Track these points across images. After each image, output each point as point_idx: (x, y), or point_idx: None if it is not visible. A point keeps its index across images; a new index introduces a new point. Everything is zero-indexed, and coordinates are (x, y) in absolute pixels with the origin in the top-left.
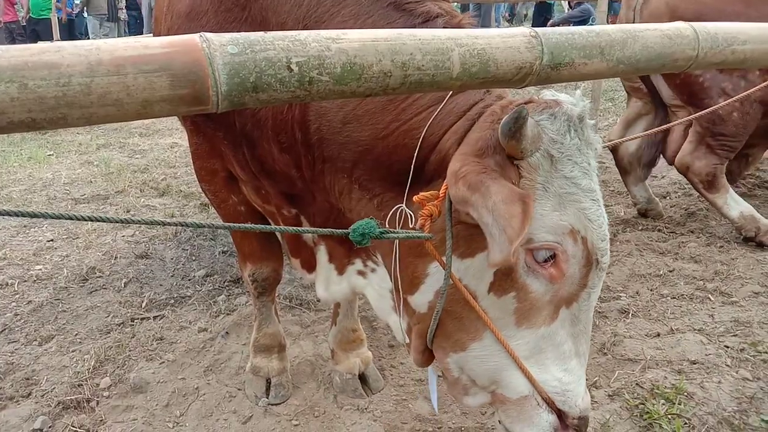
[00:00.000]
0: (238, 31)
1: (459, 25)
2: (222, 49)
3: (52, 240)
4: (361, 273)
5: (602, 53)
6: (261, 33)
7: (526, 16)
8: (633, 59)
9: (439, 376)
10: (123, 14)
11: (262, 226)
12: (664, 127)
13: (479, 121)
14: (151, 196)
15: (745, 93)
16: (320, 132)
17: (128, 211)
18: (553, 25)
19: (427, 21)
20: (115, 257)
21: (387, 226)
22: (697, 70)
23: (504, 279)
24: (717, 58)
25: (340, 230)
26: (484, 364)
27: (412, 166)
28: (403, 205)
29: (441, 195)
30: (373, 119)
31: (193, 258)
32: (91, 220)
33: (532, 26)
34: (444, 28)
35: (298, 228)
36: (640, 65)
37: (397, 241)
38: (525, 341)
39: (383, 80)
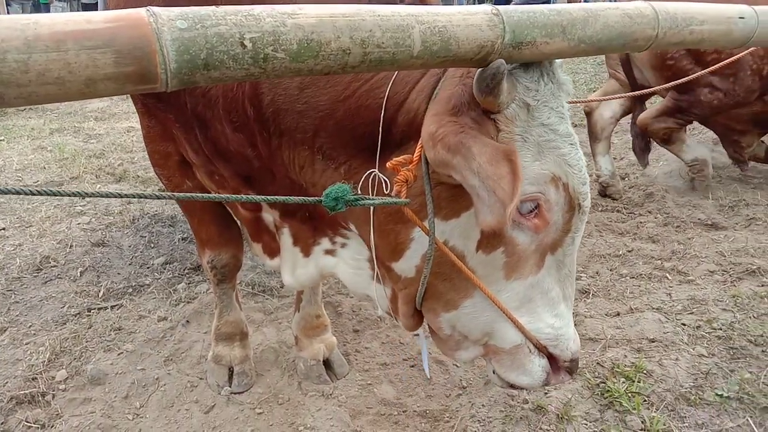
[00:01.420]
0: (187, 5)
1: None
2: (170, 23)
3: (3, 228)
4: (329, 252)
5: (564, 32)
6: (212, 7)
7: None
8: (594, 38)
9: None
10: None
11: (228, 196)
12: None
13: (447, 77)
14: (107, 182)
15: (701, 72)
16: (275, 104)
17: (84, 198)
18: (516, 5)
19: None
20: (71, 245)
21: (360, 193)
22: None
23: (491, 236)
24: (676, 38)
25: (312, 198)
26: (477, 319)
27: (380, 129)
28: (376, 170)
29: (415, 159)
30: (332, 81)
31: (152, 245)
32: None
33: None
34: None
35: (267, 197)
36: (601, 44)
37: (372, 209)
38: (515, 292)
39: (342, 58)
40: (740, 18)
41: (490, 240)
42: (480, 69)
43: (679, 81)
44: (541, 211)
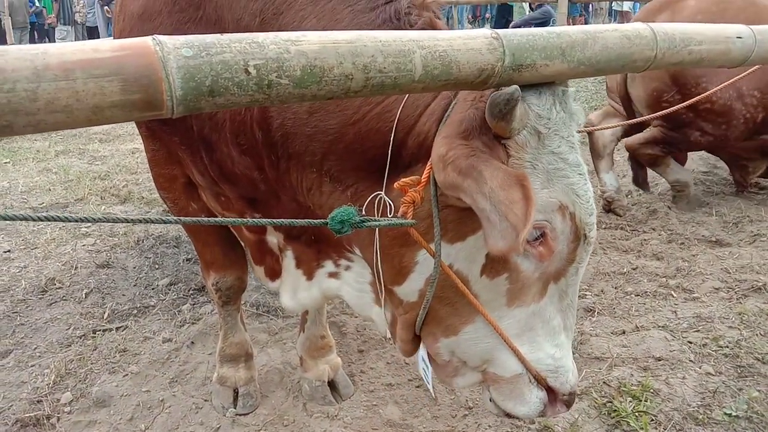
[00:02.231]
0: (193, 32)
1: (423, 5)
2: (176, 52)
3: (9, 251)
4: (333, 275)
5: (563, 54)
6: (217, 35)
7: (488, 18)
8: (594, 60)
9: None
10: (80, 16)
11: (234, 219)
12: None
13: (459, 100)
14: (112, 203)
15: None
16: (284, 127)
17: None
18: (514, 27)
19: (391, 1)
20: (76, 267)
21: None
22: (656, 70)
23: (496, 261)
24: (675, 59)
25: (318, 220)
26: (477, 345)
27: (389, 152)
28: (382, 192)
29: (423, 180)
30: (341, 105)
31: (156, 266)
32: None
33: (493, 27)
34: (408, 9)
35: (273, 220)
36: (600, 66)
37: (377, 232)
38: (516, 320)
39: (344, 83)
40: (738, 38)
41: (495, 265)
42: (493, 94)
43: (668, 110)
44: (546, 240)
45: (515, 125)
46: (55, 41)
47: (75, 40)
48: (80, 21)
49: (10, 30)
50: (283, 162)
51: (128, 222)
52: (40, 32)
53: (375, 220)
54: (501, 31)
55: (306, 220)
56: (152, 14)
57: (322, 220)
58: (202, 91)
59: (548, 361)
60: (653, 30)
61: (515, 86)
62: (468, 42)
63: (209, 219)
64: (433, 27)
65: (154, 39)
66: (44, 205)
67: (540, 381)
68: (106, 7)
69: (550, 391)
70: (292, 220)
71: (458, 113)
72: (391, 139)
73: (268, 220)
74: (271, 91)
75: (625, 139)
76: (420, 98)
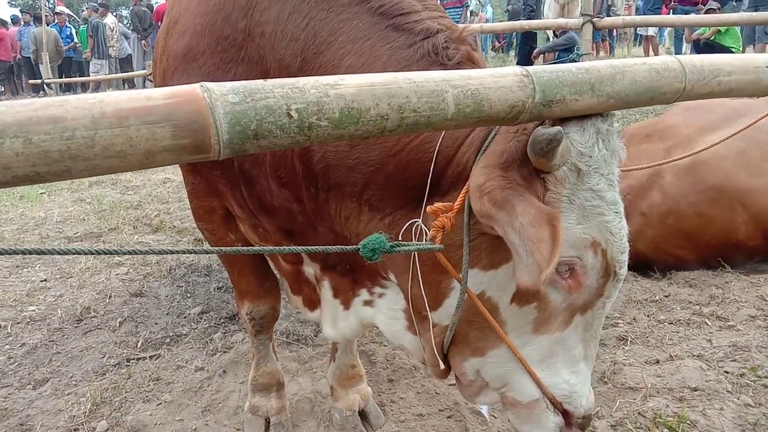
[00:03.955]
0: (235, 71)
1: (460, 39)
2: (223, 98)
3: (45, 280)
4: (367, 303)
5: (592, 89)
6: (261, 81)
7: (513, 44)
8: (623, 93)
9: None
10: (114, 50)
11: (268, 248)
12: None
13: (501, 132)
14: (144, 232)
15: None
16: (325, 160)
17: (121, 249)
18: (538, 54)
19: (428, 37)
20: (110, 296)
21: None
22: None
23: (527, 290)
24: (704, 90)
25: (350, 246)
26: (500, 368)
27: (429, 182)
28: (419, 220)
29: (456, 207)
30: (382, 137)
31: (188, 295)
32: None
33: (518, 54)
34: (446, 44)
35: (307, 248)
36: (629, 99)
37: (416, 260)
38: (539, 346)
39: (380, 123)
40: (767, 67)
41: (525, 294)
42: (536, 131)
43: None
44: (576, 274)
45: (556, 162)
46: (89, 74)
47: (108, 73)
48: (114, 55)
49: (47, 64)
50: (323, 193)
51: (173, 253)
52: (74, 66)
53: (404, 245)
54: (531, 68)
55: (338, 246)
56: (196, 54)
57: (354, 247)
58: (247, 134)
59: (563, 386)
60: (681, 62)
61: (558, 128)
62: (499, 80)
63: (246, 249)
64: (470, 60)
65: (202, 86)
66: (79, 234)
67: (556, 405)
68: (143, 41)
69: (566, 415)
70: (326, 246)
71: (499, 144)
72: (431, 169)
73: (302, 247)
74: (311, 133)
75: None
76: (459, 130)
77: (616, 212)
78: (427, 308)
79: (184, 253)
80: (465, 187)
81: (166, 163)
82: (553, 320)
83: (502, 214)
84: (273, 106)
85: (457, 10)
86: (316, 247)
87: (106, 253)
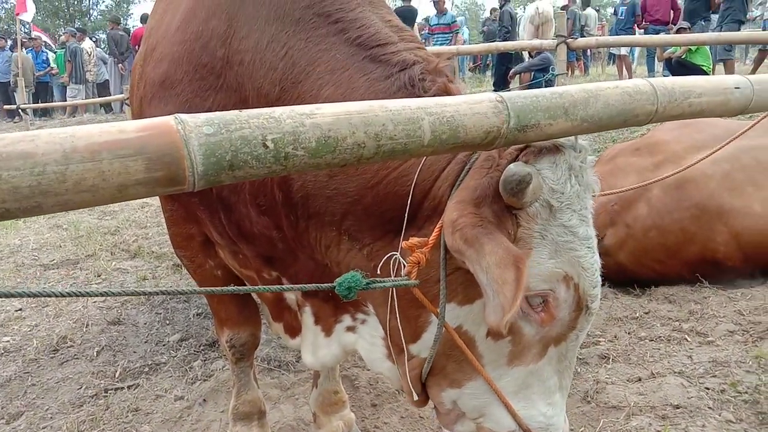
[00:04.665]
0: (214, 99)
1: (436, 71)
2: (197, 130)
3: (20, 309)
4: (350, 329)
5: (566, 113)
6: (236, 112)
7: (489, 65)
8: (596, 117)
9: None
10: (91, 75)
11: (252, 287)
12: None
13: (476, 166)
14: (122, 258)
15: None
16: (305, 189)
17: (99, 276)
18: (514, 74)
19: (405, 69)
20: (87, 325)
21: (379, 274)
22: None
23: None
24: (675, 111)
25: (326, 284)
26: (476, 399)
27: (406, 215)
28: (398, 253)
29: (430, 242)
30: (360, 169)
31: (167, 322)
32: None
33: (494, 74)
34: (422, 75)
35: (283, 286)
36: (603, 122)
37: (394, 292)
38: (514, 378)
39: (357, 151)
40: (736, 88)
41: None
42: (507, 170)
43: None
44: (548, 307)
45: (527, 200)
46: (66, 99)
47: (86, 97)
48: (91, 80)
49: (23, 89)
50: (302, 221)
51: (160, 294)
52: (49, 91)
53: (380, 281)
54: (506, 94)
55: (314, 285)
56: (173, 82)
57: (330, 285)
58: (222, 165)
59: (540, 418)
60: (653, 85)
61: (529, 169)
62: (474, 106)
63: (230, 288)
64: (447, 92)
65: (176, 118)
66: (55, 262)
67: None
68: (120, 65)
69: None
70: (302, 285)
71: (473, 179)
72: (408, 202)
73: (277, 286)
74: (287, 162)
75: None
76: (436, 162)
77: (589, 247)
78: (403, 342)
79: (178, 294)
80: (440, 221)
81: (140, 196)
82: (528, 352)
83: (471, 251)
84: (248, 136)
85: (446, 36)
86: (292, 285)
87: (109, 295)
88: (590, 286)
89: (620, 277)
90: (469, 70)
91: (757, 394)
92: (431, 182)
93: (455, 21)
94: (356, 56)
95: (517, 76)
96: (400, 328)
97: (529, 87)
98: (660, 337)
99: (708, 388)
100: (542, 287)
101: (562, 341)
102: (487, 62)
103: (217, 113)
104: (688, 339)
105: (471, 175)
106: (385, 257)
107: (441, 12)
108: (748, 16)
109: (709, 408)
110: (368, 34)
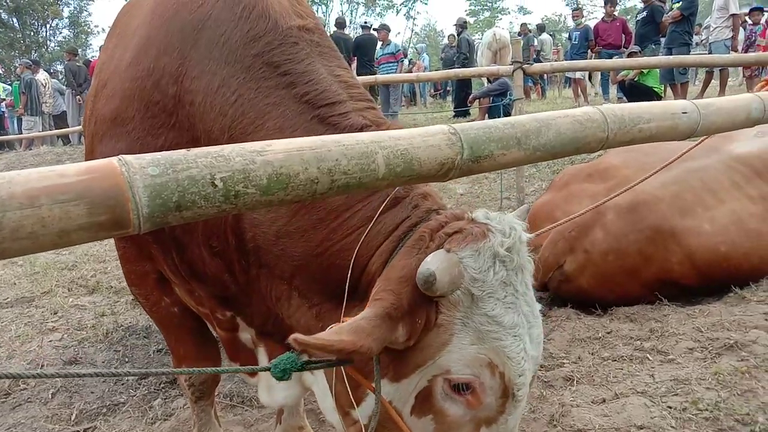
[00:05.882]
0: (165, 137)
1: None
2: (142, 171)
3: None
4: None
5: (519, 143)
6: (183, 151)
7: (449, 91)
8: (549, 146)
9: None
10: (47, 107)
11: (228, 368)
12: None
13: (408, 245)
14: (79, 294)
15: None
16: (255, 240)
17: (55, 313)
18: (474, 99)
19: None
20: (42, 365)
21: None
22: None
23: (422, 403)
24: (626, 137)
25: (261, 367)
26: None
27: (347, 287)
28: (341, 323)
29: None
30: (305, 236)
31: (126, 360)
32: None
33: (454, 99)
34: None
35: (217, 369)
36: (555, 150)
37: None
38: None
39: (310, 187)
40: (684, 113)
41: (422, 406)
42: (422, 266)
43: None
44: (475, 392)
45: (440, 292)
46: (22, 131)
47: (42, 130)
48: (47, 111)
49: None
50: (254, 269)
51: (133, 375)
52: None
53: (315, 363)
54: (458, 126)
55: (250, 367)
56: (125, 119)
57: (265, 366)
58: (169, 207)
59: None
60: (603, 112)
61: (432, 270)
62: (427, 139)
63: (209, 369)
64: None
65: (120, 160)
66: (9, 300)
67: None
68: (78, 96)
69: None
70: (238, 368)
71: (402, 258)
72: (348, 275)
73: (224, 368)
74: (238, 201)
75: None
76: (374, 239)
77: (515, 336)
78: (346, 407)
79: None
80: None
81: (83, 241)
82: (458, 431)
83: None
84: (196, 176)
85: (392, 65)
86: (237, 367)
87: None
88: (516, 375)
89: (582, 300)
90: (430, 95)
91: (717, 411)
92: (368, 258)
93: (399, 50)
94: (305, 115)
95: (477, 101)
96: (348, 391)
97: (489, 111)
98: (622, 356)
99: (670, 407)
100: (465, 372)
101: (493, 423)
102: (447, 88)
103: (164, 153)
104: (650, 358)
105: (401, 254)
106: (329, 328)
107: (384, 42)
108: (693, 39)
109: (672, 427)
110: (317, 91)
